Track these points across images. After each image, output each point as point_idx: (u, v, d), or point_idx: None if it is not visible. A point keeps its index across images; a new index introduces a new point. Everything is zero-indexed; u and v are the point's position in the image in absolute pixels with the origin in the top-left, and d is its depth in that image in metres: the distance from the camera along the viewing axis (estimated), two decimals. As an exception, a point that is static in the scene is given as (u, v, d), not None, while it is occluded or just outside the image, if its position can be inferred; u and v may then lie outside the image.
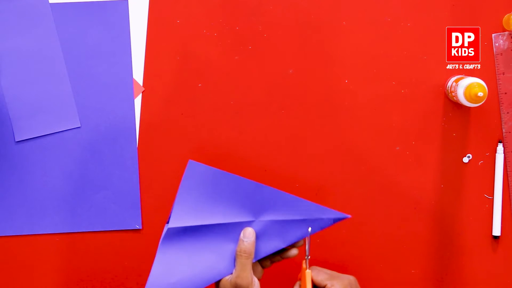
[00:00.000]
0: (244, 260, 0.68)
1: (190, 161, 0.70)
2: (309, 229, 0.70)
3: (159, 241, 0.84)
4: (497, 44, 0.84)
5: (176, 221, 0.69)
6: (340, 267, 0.85)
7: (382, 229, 0.85)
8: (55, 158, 0.83)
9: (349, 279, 0.69)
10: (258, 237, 0.70)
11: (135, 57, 0.84)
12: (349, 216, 0.71)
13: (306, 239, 0.70)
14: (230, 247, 0.70)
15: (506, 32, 0.83)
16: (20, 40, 0.83)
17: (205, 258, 0.69)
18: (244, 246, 0.68)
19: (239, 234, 0.70)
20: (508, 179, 0.84)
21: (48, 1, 0.83)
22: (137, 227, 0.84)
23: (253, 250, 0.69)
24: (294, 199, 0.71)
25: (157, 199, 0.84)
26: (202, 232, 0.70)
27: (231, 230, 0.70)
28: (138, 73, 0.84)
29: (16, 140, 0.83)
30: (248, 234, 0.69)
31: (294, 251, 0.72)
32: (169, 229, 0.69)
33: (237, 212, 0.70)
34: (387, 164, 0.84)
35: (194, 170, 0.70)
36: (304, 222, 0.70)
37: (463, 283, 0.85)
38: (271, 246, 0.70)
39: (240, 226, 0.70)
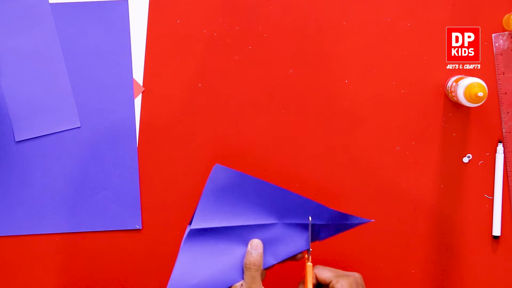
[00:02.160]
0: (254, 273, 0.67)
1: (216, 164, 0.69)
2: (309, 218, 0.70)
3: (160, 241, 0.84)
4: (497, 44, 0.84)
5: (199, 222, 0.69)
6: (339, 267, 0.84)
7: (382, 229, 0.85)
8: (55, 158, 0.83)
9: (354, 276, 0.69)
10: (279, 239, 0.70)
11: (135, 57, 0.84)
12: (372, 220, 0.71)
13: (309, 228, 0.70)
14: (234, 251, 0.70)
15: (506, 32, 0.84)
16: (20, 40, 0.83)
17: (227, 260, 0.69)
18: (253, 259, 0.68)
19: (260, 236, 0.70)
20: (508, 179, 0.84)
21: (48, 1, 0.83)
22: (137, 227, 0.84)
23: (261, 261, 0.68)
24: (318, 206, 0.71)
25: (157, 199, 0.84)
26: (224, 234, 0.70)
27: (252, 232, 0.70)
28: (138, 73, 0.84)
29: (16, 140, 0.83)
30: (256, 246, 0.68)
31: (298, 255, 0.72)
32: (191, 230, 0.68)
33: (259, 215, 0.70)
34: (387, 164, 0.84)
35: (219, 173, 0.69)
36: (327, 227, 0.71)
37: (463, 283, 0.85)
38: (292, 248, 0.70)
39: (261, 228, 0.70)
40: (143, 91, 0.84)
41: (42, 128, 0.83)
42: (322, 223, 0.71)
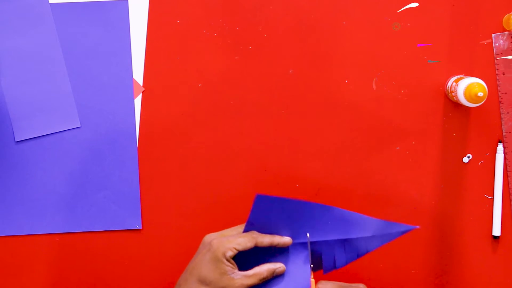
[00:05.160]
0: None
1: (258, 194, 0.68)
2: (308, 234, 0.70)
3: (160, 241, 0.84)
4: (497, 44, 0.84)
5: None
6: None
7: (382, 229, 0.85)
8: (55, 158, 0.83)
9: (359, 287, 0.69)
10: (324, 254, 0.71)
11: (135, 57, 0.84)
12: (418, 227, 0.71)
13: (308, 245, 0.70)
14: (296, 269, 0.70)
15: (506, 32, 0.84)
16: (20, 40, 0.83)
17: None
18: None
19: (303, 255, 0.70)
20: (508, 179, 0.84)
21: (48, 1, 0.83)
22: (137, 227, 0.84)
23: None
24: (362, 218, 0.71)
25: (157, 199, 0.84)
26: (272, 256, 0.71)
27: (297, 251, 0.71)
28: (138, 73, 0.84)
29: (16, 140, 0.83)
30: (271, 270, 0.68)
31: None
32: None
33: (303, 233, 0.71)
34: (387, 164, 0.84)
35: (262, 202, 0.69)
36: (373, 238, 0.71)
37: (463, 283, 0.85)
38: (338, 263, 0.71)
39: (306, 246, 0.71)
40: (143, 91, 0.84)
41: (42, 128, 0.83)
42: (367, 235, 0.71)
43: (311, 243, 0.70)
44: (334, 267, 0.71)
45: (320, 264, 0.72)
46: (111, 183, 0.84)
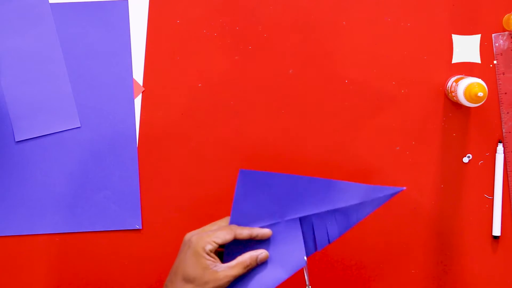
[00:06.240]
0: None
1: (241, 170, 0.69)
2: (305, 257, 0.70)
3: (160, 241, 0.84)
4: (497, 44, 0.84)
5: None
6: (339, 267, 0.85)
7: (382, 229, 0.85)
8: (55, 158, 0.83)
9: None
10: (316, 228, 0.71)
11: (135, 57, 0.84)
12: (404, 188, 0.71)
13: (304, 268, 0.70)
14: (290, 247, 0.70)
15: (506, 32, 0.84)
16: (20, 40, 0.83)
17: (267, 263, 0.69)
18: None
19: (296, 229, 0.70)
20: (508, 179, 0.84)
21: (48, 1, 0.83)
22: (137, 227, 0.84)
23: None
24: (348, 185, 0.71)
25: (157, 199, 0.84)
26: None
27: (289, 229, 0.70)
28: (138, 73, 0.84)
29: (16, 140, 0.83)
30: (254, 258, 0.67)
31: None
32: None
33: (293, 209, 0.71)
34: (387, 164, 0.84)
35: (246, 178, 0.69)
36: (362, 205, 0.71)
37: (463, 283, 0.85)
38: (330, 235, 0.71)
39: (297, 221, 0.70)
40: (143, 91, 0.84)
41: (42, 128, 0.83)
42: (356, 202, 0.71)
43: (302, 218, 0.70)
44: (328, 240, 0.71)
45: (314, 239, 0.71)
46: (111, 183, 0.84)
